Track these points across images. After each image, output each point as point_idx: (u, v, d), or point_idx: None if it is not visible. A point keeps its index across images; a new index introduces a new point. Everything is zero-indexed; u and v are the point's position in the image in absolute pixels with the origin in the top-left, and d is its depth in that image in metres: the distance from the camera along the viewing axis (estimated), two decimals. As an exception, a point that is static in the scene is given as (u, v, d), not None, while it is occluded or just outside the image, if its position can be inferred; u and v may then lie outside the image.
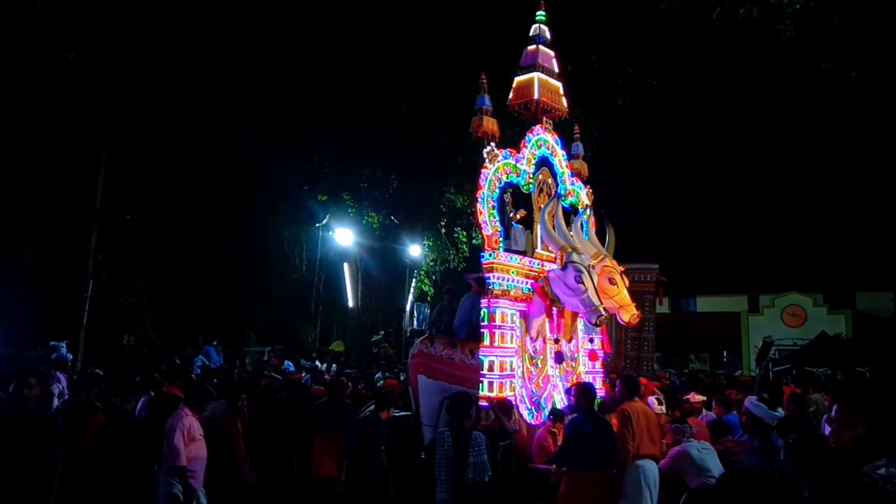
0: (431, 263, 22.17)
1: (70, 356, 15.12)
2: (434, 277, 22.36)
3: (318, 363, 17.19)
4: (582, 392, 5.84)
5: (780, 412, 4.52)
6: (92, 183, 18.68)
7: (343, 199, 20.15)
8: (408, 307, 22.58)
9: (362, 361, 16.59)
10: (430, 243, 22.02)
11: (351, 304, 22.70)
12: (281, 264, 24.12)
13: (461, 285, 8.04)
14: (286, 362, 15.19)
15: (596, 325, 6.79)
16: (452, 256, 21.62)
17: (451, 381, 6.77)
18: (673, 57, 15.33)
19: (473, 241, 21.94)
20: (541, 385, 6.96)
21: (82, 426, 6.22)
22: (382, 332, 21.00)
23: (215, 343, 19.00)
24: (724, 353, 23.20)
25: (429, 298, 23.17)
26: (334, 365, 16.59)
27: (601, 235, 11.54)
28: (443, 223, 21.77)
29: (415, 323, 22.45)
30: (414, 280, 22.56)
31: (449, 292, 8.36)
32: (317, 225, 22.20)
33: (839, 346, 17.77)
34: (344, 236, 20.99)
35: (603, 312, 6.46)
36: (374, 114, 18.86)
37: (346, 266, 22.51)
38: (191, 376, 8.85)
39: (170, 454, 5.47)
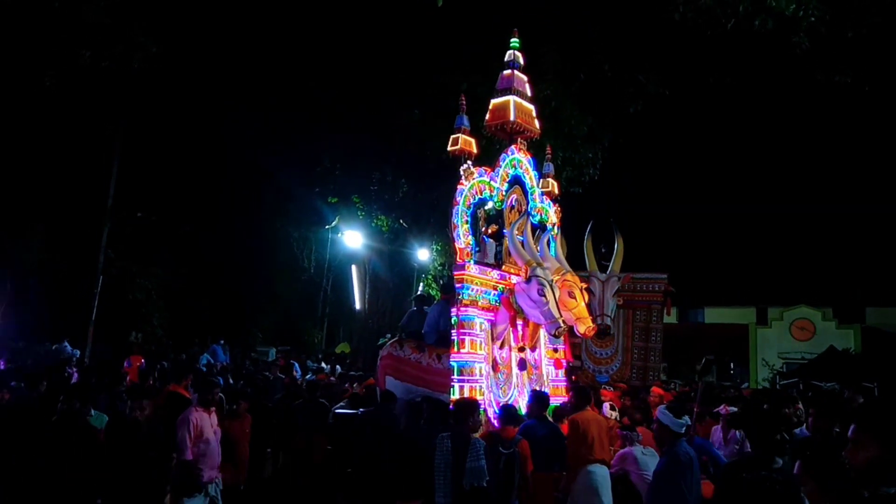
0: (439, 267, 22.16)
1: (77, 352, 15.26)
2: (441, 281, 22.36)
3: (323, 364, 17.25)
4: (536, 399, 6.49)
5: (686, 420, 4.75)
6: (104, 180, 18.81)
7: (353, 202, 20.19)
8: (414, 311, 22.58)
9: (368, 364, 16.61)
10: (439, 247, 22.01)
11: (358, 306, 22.72)
12: (289, 265, 24.19)
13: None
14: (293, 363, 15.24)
15: (555, 335, 7.17)
16: (460, 261, 21.63)
17: (418, 383, 7.20)
18: (685, 66, 15.32)
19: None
20: (506, 391, 7.31)
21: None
22: (389, 336, 21.01)
23: (222, 342, 19.08)
24: (732, 366, 23.07)
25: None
26: (338, 366, 16.64)
27: (610, 245, 11.56)
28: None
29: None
30: (422, 284, 22.56)
31: (418, 299, 8.86)
32: (326, 227, 22.25)
33: (848, 361, 17.62)
34: (353, 239, 21.03)
35: (562, 325, 6.85)
36: (385, 117, 18.90)
37: (353, 268, 22.54)
38: (198, 372, 8.93)
39: (177, 449, 5.58)
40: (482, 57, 18.00)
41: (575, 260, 12.18)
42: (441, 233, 21.98)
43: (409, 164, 20.02)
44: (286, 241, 23.50)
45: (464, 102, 7.83)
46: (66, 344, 15.37)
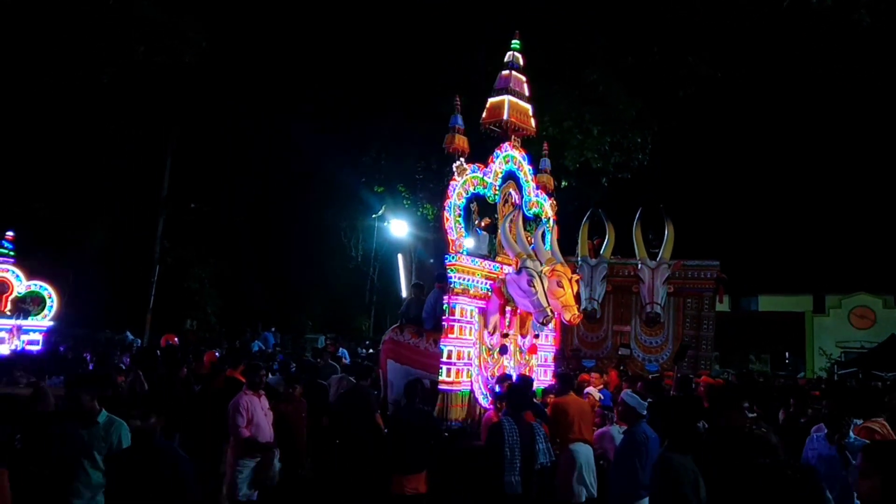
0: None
1: (139, 340, 15.87)
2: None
3: (371, 351, 17.46)
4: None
5: (649, 401, 5.05)
6: (159, 172, 19.39)
7: (398, 191, 20.31)
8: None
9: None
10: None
11: (404, 294, 22.90)
12: (337, 254, 24.51)
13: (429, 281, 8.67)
14: (341, 350, 15.46)
15: (542, 323, 7.53)
16: (506, 249, 21.58)
17: (416, 366, 7.66)
18: (738, 48, 14.87)
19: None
20: (495, 374, 7.72)
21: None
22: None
23: (273, 329, 19.50)
24: (787, 355, 22.46)
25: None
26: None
27: (659, 231, 11.36)
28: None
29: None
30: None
31: (416, 287, 9.20)
32: (372, 216, 22.45)
33: (911, 350, 16.95)
34: (399, 227, 21.16)
35: (549, 314, 7.30)
36: (430, 105, 18.91)
37: (399, 257, 22.71)
38: (251, 359, 9.18)
39: (232, 432, 5.80)
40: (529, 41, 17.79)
41: (622, 247, 12.04)
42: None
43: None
44: (334, 230, 23.81)
45: (458, 103, 8.18)
46: (128, 333, 15.98)
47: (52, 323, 13.69)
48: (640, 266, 11.21)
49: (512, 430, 5.21)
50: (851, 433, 5.36)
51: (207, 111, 18.83)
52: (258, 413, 5.99)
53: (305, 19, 17.54)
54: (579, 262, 11.48)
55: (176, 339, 14.65)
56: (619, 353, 11.46)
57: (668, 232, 11.19)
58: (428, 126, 19.20)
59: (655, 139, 19.35)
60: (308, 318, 24.95)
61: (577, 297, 8.06)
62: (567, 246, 13.45)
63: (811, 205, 25.44)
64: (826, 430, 5.48)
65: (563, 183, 21.39)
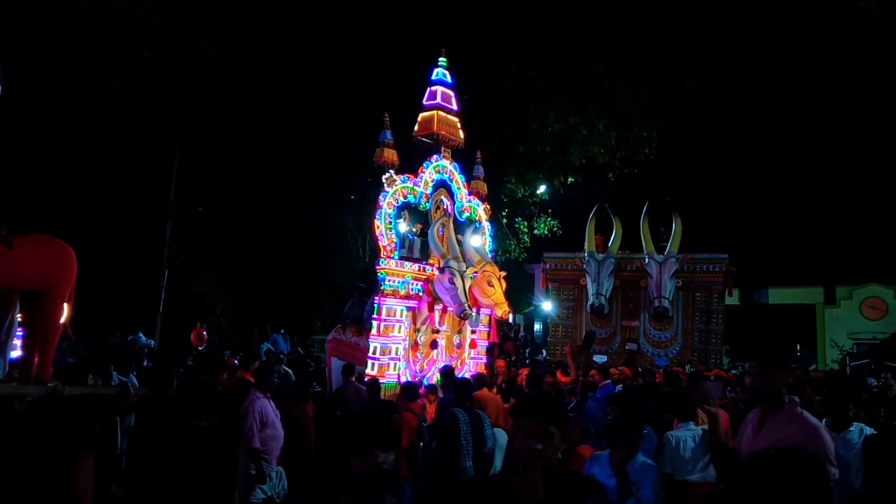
0: (492, 253, 22.11)
1: (151, 342, 15.95)
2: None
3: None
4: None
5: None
6: (166, 176, 19.46)
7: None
8: (469, 297, 22.59)
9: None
10: (491, 233, 21.96)
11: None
12: (346, 254, 24.53)
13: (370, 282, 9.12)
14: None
15: (462, 318, 8.30)
16: (513, 247, 21.51)
17: (357, 363, 8.18)
18: (746, 38, 14.78)
19: (535, 232, 21.76)
20: (424, 367, 8.48)
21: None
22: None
23: (282, 331, 19.54)
24: (798, 348, 22.32)
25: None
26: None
27: (668, 225, 11.30)
28: (503, 214, 21.66)
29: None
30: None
31: (358, 289, 9.68)
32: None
33: (924, 340, 16.79)
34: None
35: (467, 309, 8.03)
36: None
37: (407, 256, 22.69)
38: (263, 361, 9.28)
39: (244, 437, 5.73)
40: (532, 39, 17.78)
41: (632, 241, 12.00)
42: (491, 219, 21.90)
43: (457, 153, 19.98)
44: (342, 231, 23.83)
45: (387, 119, 8.81)
46: (141, 335, 16.05)
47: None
48: (647, 260, 11.15)
49: (465, 420, 5.54)
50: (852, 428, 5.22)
51: (214, 115, 18.88)
52: (271, 415, 5.99)
53: (306, 22, 17.58)
54: (586, 258, 11.45)
55: (205, 332, 15.18)
56: (626, 347, 11.43)
57: (676, 225, 11.14)
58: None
59: (662, 133, 19.22)
60: (317, 320, 24.99)
61: (506, 295, 8.77)
62: (575, 241, 13.44)
63: (820, 196, 25.26)
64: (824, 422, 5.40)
65: (569, 179, 21.38)
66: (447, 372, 7.50)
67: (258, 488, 5.82)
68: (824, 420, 5.35)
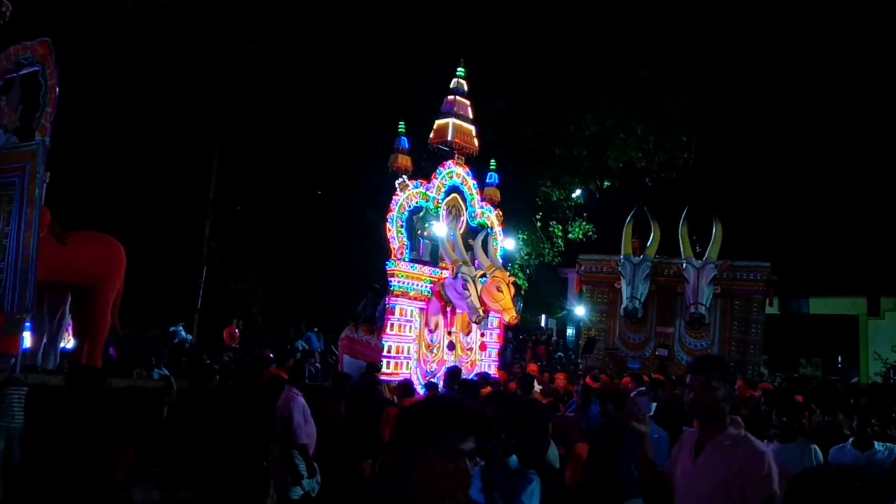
0: (526, 257, 22.01)
1: (189, 336, 16.29)
2: (528, 271, 22.22)
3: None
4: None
5: None
6: (206, 174, 19.83)
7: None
8: (501, 300, 22.51)
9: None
10: (525, 237, 21.85)
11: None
12: (380, 253, 24.66)
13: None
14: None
15: (476, 322, 8.55)
16: (547, 251, 21.39)
17: (368, 360, 8.29)
18: (791, 41, 14.47)
19: (569, 236, 21.60)
20: (435, 367, 8.75)
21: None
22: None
23: (316, 329, 19.74)
24: (839, 359, 21.71)
25: (522, 293, 22.97)
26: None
27: (706, 231, 11.09)
28: (538, 217, 21.55)
29: (509, 316, 22.34)
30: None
31: (372, 289, 9.99)
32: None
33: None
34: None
35: (481, 313, 8.29)
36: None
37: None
38: (297, 359, 9.45)
39: (293, 433, 5.86)
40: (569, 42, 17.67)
41: (670, 246, 11.78)
42: (525, 222, 21.81)
43: (494, 154, 19.91)
44: (376, 229, 23.96)
45: (404, 126, 9.30)
46: (181, 328, 16.46)
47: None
48: (684, 265, 10.90)
49: None
50: (876, 443, 5.04)
51: (253, 114, 19.18)
52: (307, 412, 6.08)
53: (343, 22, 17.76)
54: (621, 260, 11.25)
55: (237, 330, 15.85)
56: (657, 353, 11.19)
57: (716, 231, 10.83)
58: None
59: (702, 137, 18.92)
60: (350, 318, 25.17)
61: (514, 301, 9.06)
62: (610, 246, 13.28)
63: (865, 204, 24.52)
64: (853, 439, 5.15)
65: (605, 183, 21.17)
66: (453, 372, 7.64)
67: (298, 484, 5.89)
68: (850, 440, 5.17)
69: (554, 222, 21.43)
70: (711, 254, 10.67)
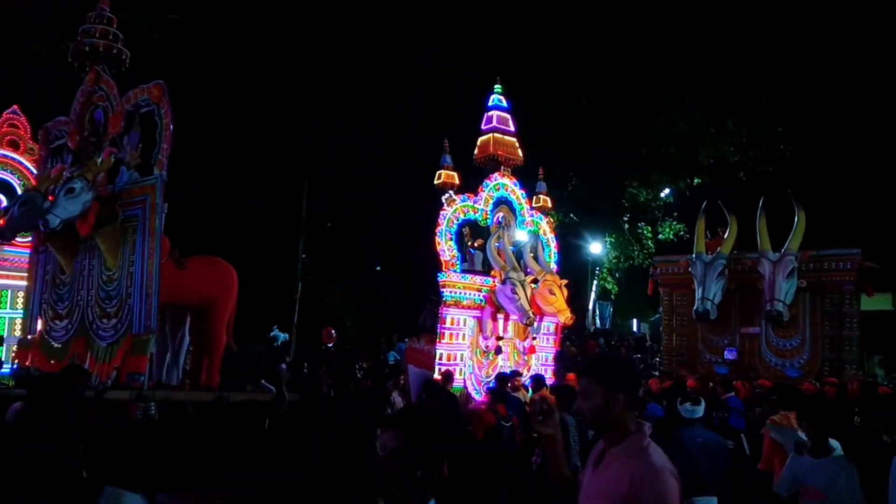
0: (614, 261, 21.56)
1: (285, 335, 17.43)
2: (617, 275, 21.75)
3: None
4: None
5: None
6: (297, 194, 20.80)
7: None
8: (590, 306, 22.14)
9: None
10: (612, 240, 21.43)
11: (533, 303, 22.78)
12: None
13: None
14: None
15: (527, 325, 8.97)
16: (636, 253, 20.87)
17: (429, 369, 8.69)
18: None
19: (660, 237, 20.98)
20: (490, 373, 9.06)
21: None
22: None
23: (406, 340, 20.18)
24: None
25: (612, 297, 22.49)
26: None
27: (788, 221, 10.23)
28: (625, 219, 21.09)
29: (598, 322, 21.91)
30: (595, 278, 22.07)
31: (430, 301, 10.02)
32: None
33: None
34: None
35: (531, 315, 8.67)
36: (550, 109, 18.78)
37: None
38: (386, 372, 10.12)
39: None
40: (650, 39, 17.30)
41: (748, 241, 10.92)
42: (614, 226, 21.38)
43: (577, 158, 19.71)
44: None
45: (447, 144, 9.64)
46: (276, 330, 17.53)
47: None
48: (760, 259, 10.05)
49: (572, 422, 5.80)
50: None
51: (337, 135, 19.96)
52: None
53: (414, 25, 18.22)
54: (693, 259, 10.52)
55: (333, 331, 17.14)
56: (725, 356, 10.35)
57: (799, 220, 9.94)
58: (549, 130, 19.09)
59: (799, 128, 18.00)
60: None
61: (568, 302, 9.33)
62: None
63: None
64: None
65: (695, 180, 20.43)
66: (502, 378, 7.96)
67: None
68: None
69: (642, 223, 20.91)
70: (792, 245, 9.73)
